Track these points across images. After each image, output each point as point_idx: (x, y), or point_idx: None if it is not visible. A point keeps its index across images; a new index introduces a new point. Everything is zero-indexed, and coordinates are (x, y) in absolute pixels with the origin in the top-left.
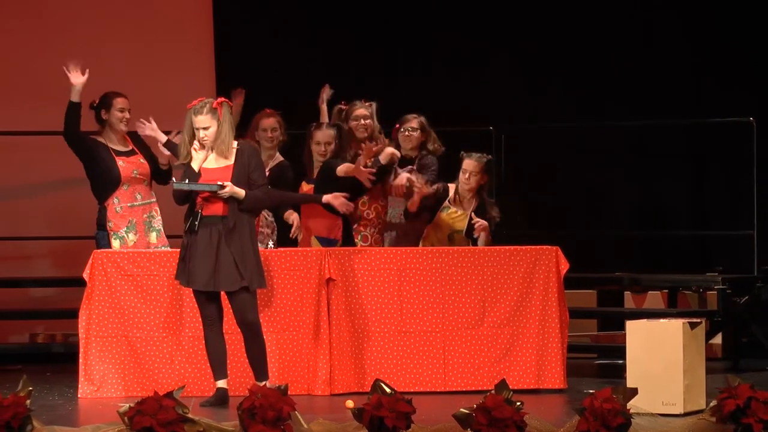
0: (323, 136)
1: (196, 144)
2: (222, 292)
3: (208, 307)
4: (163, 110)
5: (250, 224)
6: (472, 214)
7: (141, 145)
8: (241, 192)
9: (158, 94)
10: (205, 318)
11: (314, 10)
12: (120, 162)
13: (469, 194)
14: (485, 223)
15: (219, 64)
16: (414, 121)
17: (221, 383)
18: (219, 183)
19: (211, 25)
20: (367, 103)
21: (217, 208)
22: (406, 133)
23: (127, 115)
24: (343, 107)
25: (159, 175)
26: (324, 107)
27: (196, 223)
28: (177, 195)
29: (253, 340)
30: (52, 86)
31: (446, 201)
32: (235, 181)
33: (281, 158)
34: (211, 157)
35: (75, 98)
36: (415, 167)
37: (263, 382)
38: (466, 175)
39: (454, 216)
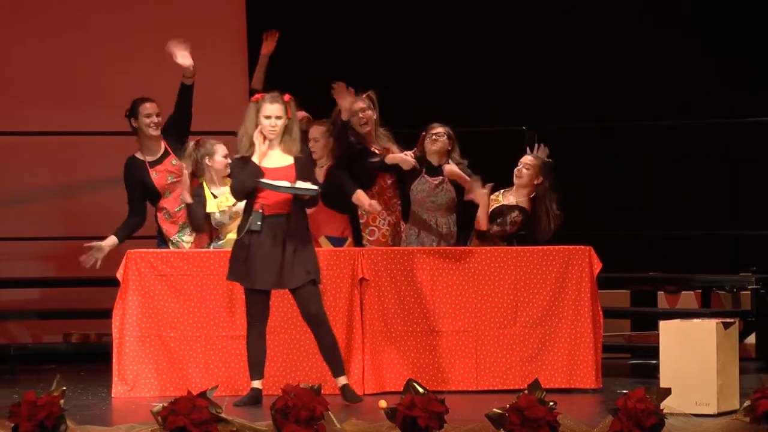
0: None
1: (257, 135)
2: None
3: (260, 306)
4: (195, 111)
5: (307, 221)
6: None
7: (170, 139)
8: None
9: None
10: (253, 317)
11: (347, 11)
12: (153, 174)
13: (519, 190)
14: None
15: (252, 66)
16: (441, 128)
17: (256, 383)
18: (315, 188)
19: (244, 27)
20: (363, 95)
21: (279, 207)
22: (434, 137)
23: (154, 119)
24: None
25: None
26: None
27: (259, 223)
28: (240, 189)
29: (322, 331)
30: (80, 88)
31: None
32: (301, 180)
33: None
34: (271, 154)
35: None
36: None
37: (341, 378)
38: (521, 166)
39: (494, 200)
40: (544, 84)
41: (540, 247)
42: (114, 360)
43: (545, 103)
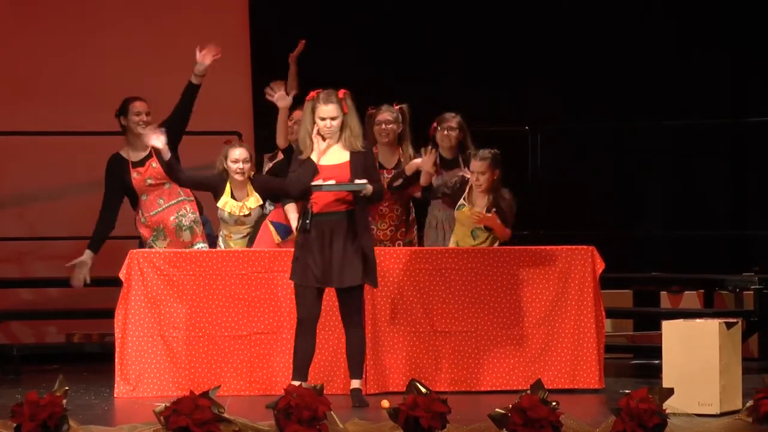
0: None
1: (315, 135)
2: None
3: (308, 305)
4: (199, 111)
5: (366, 220)
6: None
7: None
8: (371, 189)
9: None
10: (301, 317)
11: (350, 13)
12: (134, 174)
13: (483, 194)
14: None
15: (255, 67)
16: (453, 121)
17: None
18: (362, 182)
19: (247, 26)
20: (397, 107)
21: (331, 205)
22: (445, 132)
23: (144, 118)
24: (372, 111)
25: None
26: (293, 67)
27: (308, 221)
28: (295, 187)
29: (355, 333)
30: (81, 87)
31: (462, 199)
32: (358, 177)
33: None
34: (330, 150)
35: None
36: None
37: (355, 381)
38: (475, 177)
39: (469, 214)
40: (546, 84)
41: (543, 248)
42: (116, 360)
43: (548, 104)
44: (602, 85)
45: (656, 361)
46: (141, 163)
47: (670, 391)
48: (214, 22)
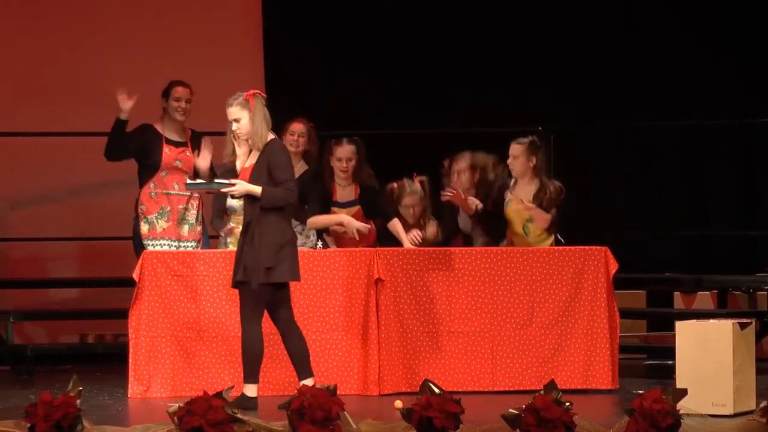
0: (344, 152)
1: (232, 138)
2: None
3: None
4: (212, 111)
5: (275, 221)
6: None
7: (198, 142)
8: (255, 189)
9: (206, 96)
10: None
11: (359, 21)
12: (166, 149)
13: (522, 179)
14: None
15: (267, 67)
16: (463, 162)
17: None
18: (227, 181)
19: (260, 25)
20: (417, 180)
21: (246, 207)
22: (457, 173)
23: (182, 104)
24: (392, 186)
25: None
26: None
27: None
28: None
29: (242, 336)
30: (81, 87)
31: (507, 193)
32: (254, 179)
33: (306, 166)
34: (251, 154)
35: (123, 117)
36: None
37: (247, 385)
38: (510, 159)
39: (517, 208)
40: (558, 84)
41: (556, 248)
42: (130, 360)
43: (560, 104)
44: (612, 85)
45: (670, 362)
46: (176, 144)
47: (683, 392)
48: (226, 21)
